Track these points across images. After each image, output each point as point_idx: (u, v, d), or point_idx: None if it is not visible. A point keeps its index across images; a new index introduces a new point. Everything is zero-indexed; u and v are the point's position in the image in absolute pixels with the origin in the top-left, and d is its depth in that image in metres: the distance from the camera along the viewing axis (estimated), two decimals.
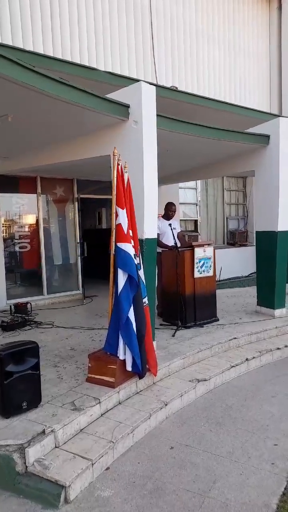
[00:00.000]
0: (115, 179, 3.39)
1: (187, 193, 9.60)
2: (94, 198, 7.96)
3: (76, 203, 7.48)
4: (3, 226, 6.70)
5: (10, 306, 6.13)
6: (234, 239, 10.30)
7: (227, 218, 10.46)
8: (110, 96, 3.87)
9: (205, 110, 6.13)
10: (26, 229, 7.07)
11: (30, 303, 6.29)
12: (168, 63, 8.31)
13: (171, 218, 5.84)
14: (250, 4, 9.84)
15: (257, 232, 5.93)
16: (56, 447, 2.72)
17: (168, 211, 5.85)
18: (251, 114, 6.46)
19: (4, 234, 6.76)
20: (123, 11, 7.51)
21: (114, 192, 3.40)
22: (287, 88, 10.13)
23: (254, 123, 5.67)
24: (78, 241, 7.44)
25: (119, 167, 3.41)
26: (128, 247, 3.36)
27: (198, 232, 9.73)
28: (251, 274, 9.18)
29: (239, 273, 9.31)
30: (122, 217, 3.36)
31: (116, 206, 3.39)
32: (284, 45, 10.06)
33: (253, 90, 10.09)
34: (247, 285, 8.56)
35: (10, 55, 2.84)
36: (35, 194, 7.05)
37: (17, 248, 6.96)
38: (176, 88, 6.76)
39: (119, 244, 3.37)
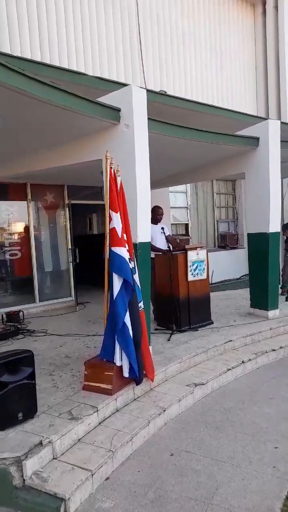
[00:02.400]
0: (108, 182, 3.36)
1: (177, 197, 9.61)
2: (84, 204, 7.91)
3: (66, 209, 7.42)
4: None
5: (2, 314, 6.02)
6: (225, 242, 10.33)
7: (217, 221, 10.49)
8: (101, 99, 3.85)
9: (194, 114, 6.14)
10: (17, 237, 6.97)
11: (22, 311, 6.19)
12: (156, 68, 8.34)
13: (159, 222, 5.79)
14: (235, 9, 9.97)
15: (249, 234, 5.94)
16: (54, 458, 2.64)
17: (156, 215, 5.79)
18: (239, 117, 6.50)
19: None
20: (110, 17, 7.52)
21: (107, 196, 3.37)
22: (273, 91, 10.25)
23: (242, 127, 5.70)
24: (70, 247, 7.36)
25: (112, 170, 3.38)
26: (123, 251, 3.32)
27: (189, 236, 9.74)
28: (242, 276, 9.21)
29: (231, 275, 9.33)
30: (116, 221, 3.32)
31: (110, 210, 3.35)
32: (269, 48, 10.20)
33: (240, 93, 10.19)
34: (239, 287, 8.58)
35: None
36: (25, 201, 6.96)
37: (7, 256, 6.85)
38: (165, 92, 6.77)
39: (113, 248, 3.32)
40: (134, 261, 3.50)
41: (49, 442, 2.63)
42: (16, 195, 6.89)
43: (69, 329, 5.58)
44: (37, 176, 6.25)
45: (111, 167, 3.36)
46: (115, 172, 3.40)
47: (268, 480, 2.63)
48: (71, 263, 7.29)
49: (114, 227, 3.30)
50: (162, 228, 5.58)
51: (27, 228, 7.00)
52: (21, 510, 2.37)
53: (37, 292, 7.04)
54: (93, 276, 6.37)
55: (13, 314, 5.99)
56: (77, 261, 7.05)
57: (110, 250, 3.33)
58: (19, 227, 6.99)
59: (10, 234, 6.89)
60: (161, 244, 5.52)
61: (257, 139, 5.47)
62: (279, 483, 2.60)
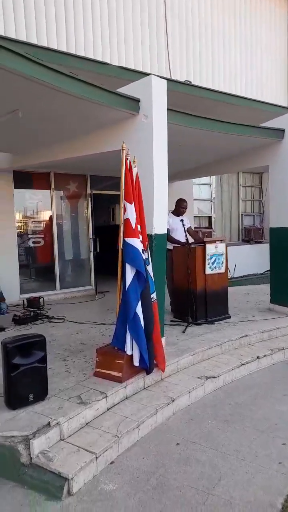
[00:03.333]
0: (124, 173, 3.37)
1: (201, 189, 9.52)
2: (107, 194, 7.97)
3: (89, 199, 7.51)
4: (17, 222, 6.79)
5: (23, 300, 6.21)
6: (249, 236, 10.17)
7: (242, 214, 10.33)
8: (120, 90, 3.85)
9: (220, 104, 6.05)
10: (40, 225, 7.14)
11: (43, 298, 6.35)
12: (183, 58, 8.23)
13: (181, 215, 5.78)
14: None
15: (271, 229, 5.83)
16: (61, 439, 2.73)
17: (179, 208, 5.79)
18: (266, 108, 6.35)
19: (20, 230, 6.85)
20: (137, 6, 7.46)
21: (123, 187, 3.39)
22: None
23: (269, 118, 5.55)
24: (91, 236, 7.46)
25: (128, 161, 3.39)
26: (136, 242, 3.34)
27: (212, 229, 9.65)
28: (266, 271, 9.03)
29: (254, 270, 9.19)
30: (130, 212, 3.34)
31: (124, 201, 3.37)
32: None
33: (269, 84, 9.91)
34: (261, 282, 8.42)
35: (19, 49, 2.85)
36: (49, 190, 7.11)
37: (31, 243, 7.04)
38: (190, 82, 6.68)
39: (127, 239, 3.35)
40: (148, 252, 3.52)
41: (57, 423, 2.72)
42: (40, 184, 7.04)
43: (86, 317, 5.69)
44: (60, 165, 6.36)
45: (127, 158, 3.37)
46: (131, 163, 3.41)
47: (272, 476, 2.62)
48: (91, 253, 7.40)
49: (128, 218, 3.32)
50: (182, 220, 5.56)
51: (50, 217, 7.16)
52: (27, 485, 2.47)
53: (58, 279, 7.20)
54: (113, 266, 6.42)
55: (33, 300, 6.16)
56: (98, 250, 7.15)
57: (123, 240, 3.36)
58: (42, 215, 7.15)
59: (34, 222, 7.06)
60: (181, 236, 5.51)
61: (283, 131, 5.32)
62: (283, 479, 2.58)
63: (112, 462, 2.73)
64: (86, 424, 2.93)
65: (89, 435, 2.80)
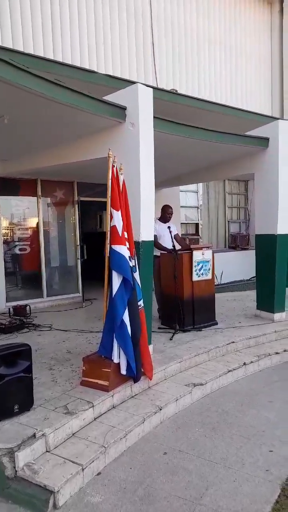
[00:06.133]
0: (110, 180, 3.37)
1: (188, 197, 9.58)
2: (94, 201, 7.95)
3: (76, 206, 7.48)
4: (3, 229, 6.71)
5: (9, 308, 6.12)
6: (236, 242, 10.26)
7: (228, 221, 10.43)
8: (107, 98, 3.86)
9: (206, 113, 6.12)
10: (26, 232, 7.07)
11: (29, 306, 6.27)
12: (169, 66, 8.32)
13: (168, 221, 5.81)
14: (251, 7, 9.86)
15: (256, 235, 5.89)
16: (46, 451, 2.68)
17: (165, 214, 5.82)
18: (251, 117, 6.45)
19: (6, 237, 6.77)
20: (123, 15, 7.54)
21: (109, 194, 3.39)
22: None
23: (255, 126, 5.64)
24: (78, 244, 7.42)
25: (114, 168, 3.40)
26: (123, 249, 3.34)
27: (199, 236, 9.71)
28: (252, 278, 9.10)
29: (240, 276, 9.25)
30: (117, 219, 3.34)
31: (111, 208, 3.37)
32: (285, 48, 10.07)
33: (254, 93, 10.08)
34: (248, 289, 8.49)
35: (4, 56, 2.83)
36: (36, 197, 7.05)
37: (17, 251, 6.96)
38: (176, 91, 6.74)
39: (113, 246, 3.34)
40: (134, 259, 3.51)
41: (43, 435, 2.67)
42: (27, 191, 6.98)
43: (74, 324, 5.63)
44: (47, 172, 6.33)
45: (114, 165, 3.38)
46: (117, 170, 3.41)
47: (259, 483, 2.61)
48: (79, 260, 7.35)
49: (115, 225, 3.32)
50: (169, 227, 5.58)
51: (36, 224, 7.09)
52: (11, 500, 2.42)
53: (45, 287, 7.12)
54: (100, 273, 6.39)
55: (19, 308, 6.07)
56: (85, 257, 7.10)
57: (110, 248, 3.35)
58: (29, 222, 7.08)
59: (20, 229, 6.99)
60: (168, 243, 5.53)
61: (267, 139, 5.41)
62: (270, 487, 2.58)
63: (99, 473, 2.69)
64: (73, 434, 2.89)
65: (76, 446, 2.76)
